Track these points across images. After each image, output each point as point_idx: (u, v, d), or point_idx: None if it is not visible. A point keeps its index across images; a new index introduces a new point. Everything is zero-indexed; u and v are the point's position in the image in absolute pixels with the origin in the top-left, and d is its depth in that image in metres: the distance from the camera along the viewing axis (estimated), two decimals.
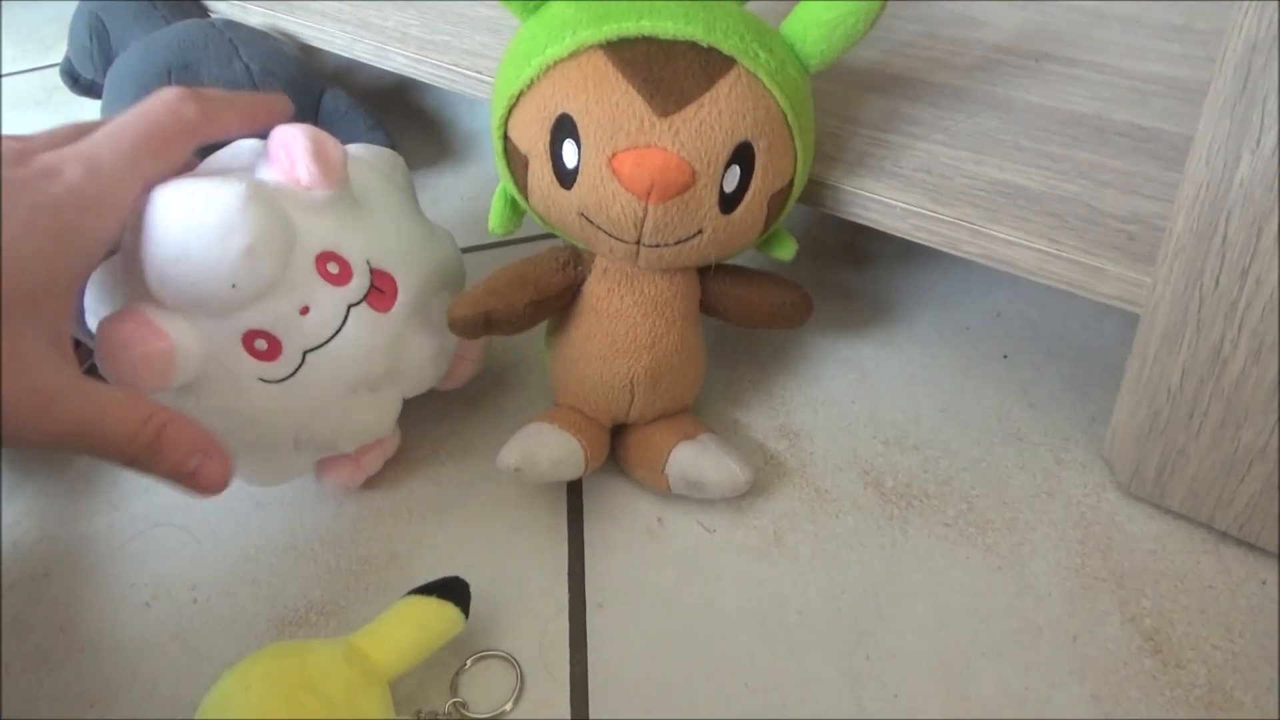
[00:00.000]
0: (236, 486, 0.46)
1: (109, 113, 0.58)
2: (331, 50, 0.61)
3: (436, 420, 0.48)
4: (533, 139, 0.37)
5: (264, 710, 0.29)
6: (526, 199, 0.40)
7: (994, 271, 0.40)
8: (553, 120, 0.37)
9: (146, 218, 0.36)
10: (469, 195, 0.64)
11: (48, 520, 0.47)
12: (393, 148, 0.56)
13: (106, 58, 0.62)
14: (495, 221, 0.42)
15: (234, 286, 0.36)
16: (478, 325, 0.40)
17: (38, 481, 0.49)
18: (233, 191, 0.35)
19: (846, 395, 0.47)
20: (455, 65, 0.55)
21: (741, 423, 0.46)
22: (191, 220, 0.35)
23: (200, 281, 0.35)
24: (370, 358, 0.40)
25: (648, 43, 0.36)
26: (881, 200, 0.41)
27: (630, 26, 0.36)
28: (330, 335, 0.39)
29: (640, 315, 0.41)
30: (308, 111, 0.60)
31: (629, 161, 0.35)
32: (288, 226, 0.37)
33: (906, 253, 0.55)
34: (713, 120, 0.35)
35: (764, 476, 0.43)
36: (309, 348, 0.39)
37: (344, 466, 0.44)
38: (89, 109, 0.71)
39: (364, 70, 0.76)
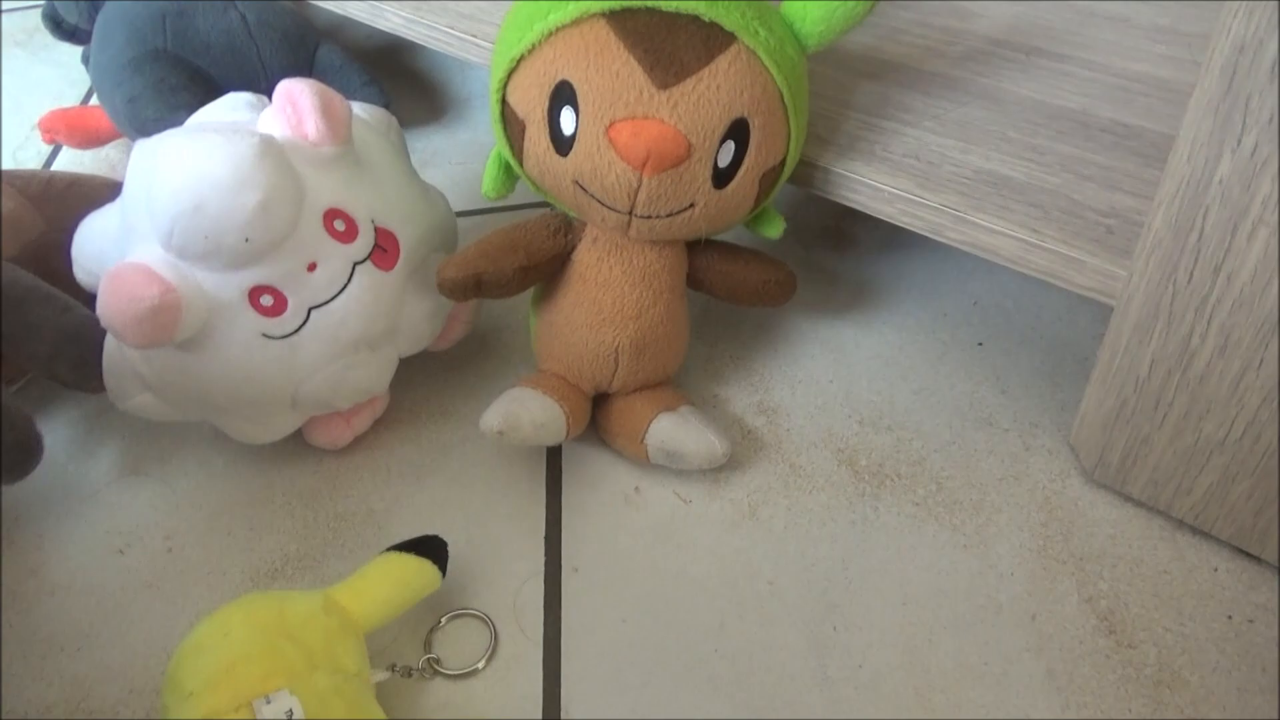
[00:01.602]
0: (214, 438, 0.46)
1: (99, 56, 0.57)
2: (324, 6, 0.61)
3: (417, 382, 0.48)
4: (531, 104, 0.38)
5: (242, 657, 0.30)
6: (521, 164, 0.40)
7: (972, 260, 0.41)
8: (552, 86, 0.37)
9: (156, 167, 0.35)
10: (459, 159, 0.64)
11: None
12: (386, 106, 0.56)
13: (92, 4, 0.61)
14: (488, 185, 0.42)
15: (247, 240, 0.36)
16: (467, 287, 0.40)
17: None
18: (247, 145, 0.35)
19: (824, 375, 0.48)
20: (450, 28, 0.54)
21: (721, 397, 0.47)
22: (205, 173, 0.34)
23: (213, 234, 0.35)
24: (373, 316, 0.40)
25: (650, 14, 0.36)
26: (870, 184, 0.41)
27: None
28: (336, 292, 0.39)
29: (628, 286, 0.41)
30: (302, 65, 0.59)
31: (626, 131, 0.36)
32: (298, 182, 0.37)
33: (888, 238, 0.55)
34: (711, 95, 0.36)
35: (741, 451, 0.44)
36: (314, 304, 0.39)
37: (334, 425, 0.44)
38: (71, 53, 0.70)
39: (355, 28, 0.75)
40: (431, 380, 0.48)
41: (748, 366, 0.48)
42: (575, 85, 0.36)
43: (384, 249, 0.41)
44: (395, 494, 0.44)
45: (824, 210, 0.58)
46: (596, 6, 0.36)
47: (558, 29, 0.36)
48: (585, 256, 0.41)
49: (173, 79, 0.54)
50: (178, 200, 0.35)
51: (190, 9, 0.56)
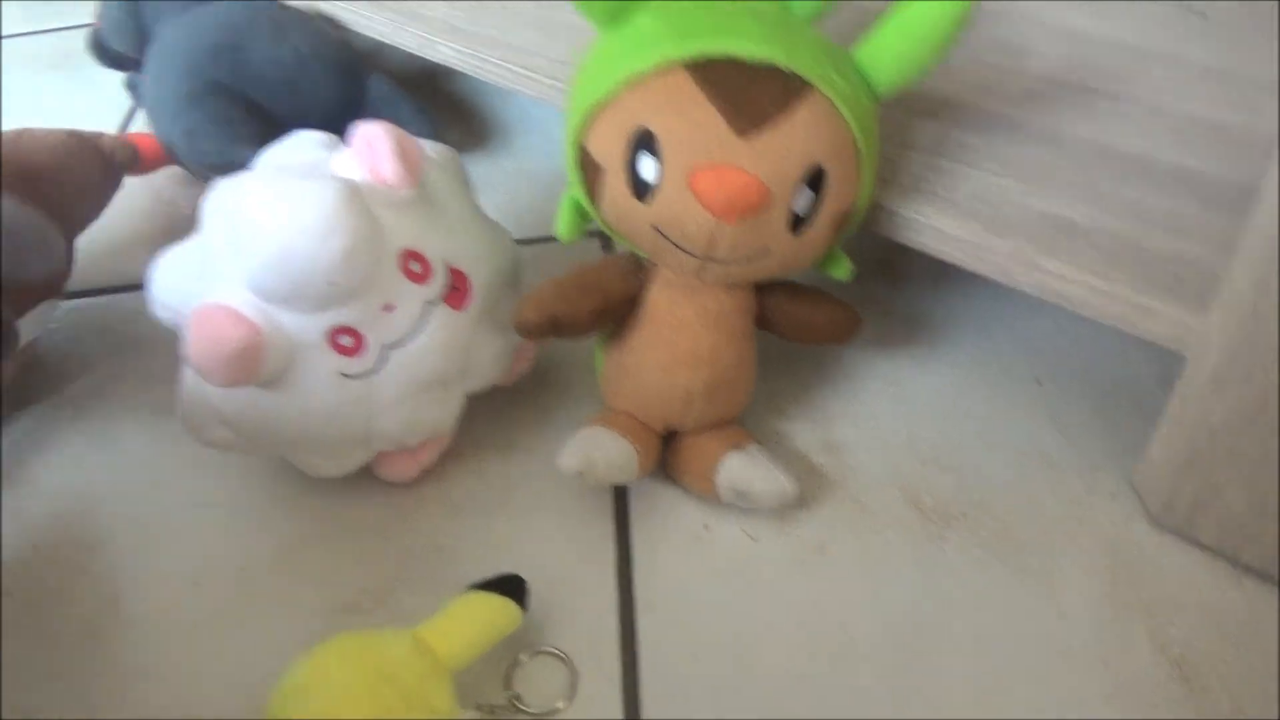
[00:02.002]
0: (283, 470, 0.46)
1: (154, 88, 0.58)
2: (374, 36, 0.61)
3: (480, 415, 0.48)
4: (610, 151, 0.38)
5: (345, 700, 0.30)
6: (596, 208, 0.40)
7: (1025, 295, 0.41)
8: (632, 134, 0.37)
9: (242, 212, 0.36)
10: (506, 188, 0.64)
11: (94, 492, 0.48)
12: (436, 137, 0.56)
13: (141, 33, 0.61)
14: (564, 228, 0.43)
15: (332, 284, 0.36)
16: (545, 329, 0.41)
17: (82, 449, 0.50)
18: (332, 191, 0.36)
19: (885, 411, 0.48)
20: (504, 61, 0.55)
21: (784, 433, 0.47)
22: (292, 220, 0.35)
23: (299, 280, 0.36)
24: (448, 355, 0.41)
25: (730, 63, 0.36)
26: (937, 227, 0.42)
27: (714, 46, 0.36)
28: (411, 332, 0.40)
29: (701, 328, 0.41)
30: (353, 96, 0.60)
31: (708, 180, 0.36)
32: (377, 225, 0.38)
33: (940, 272, 0.56)
34: (790, 143, 0.36)
35: (806, 488, 0.45)
36: (391, 344, 0.39)
37: (403, 460, 0.45)
38: (108, 77, 0.70)
39: (393, 52, 0.75)
40: (494, 414, 0.49)
41: (809, 402, 0.49)
42: (656, 133, 0.37)
43: (457, 288, 0.41)
44: (462, 529, 0.44)
45: (876, 243, 0.59)
46: (676, 55, 0.36)
47: (637, 78, 0.37)
48: (657, 298, 0.42)
49: (231, 113, 0.55)
50: (265, 247, 0.35)
51: (246, 42, 0.57)
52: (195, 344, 0.37)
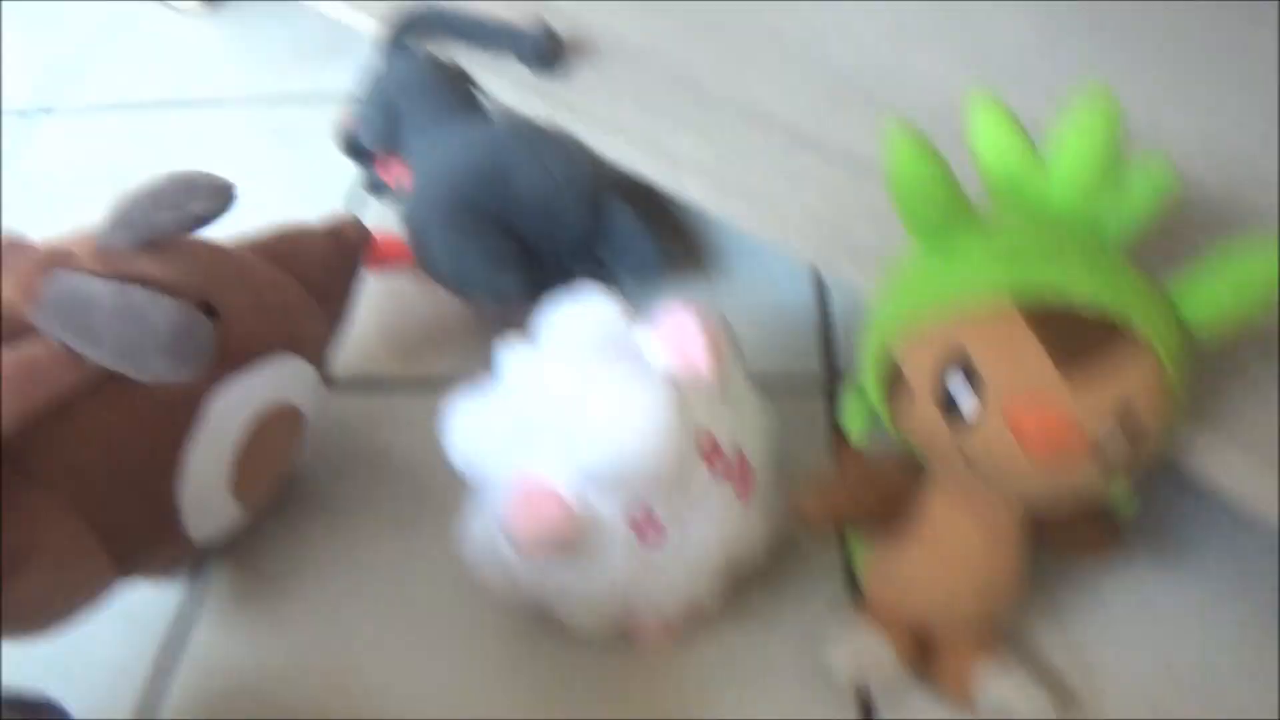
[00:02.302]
0: (530, 617, 0.48)
1: (417, 206, 0.59)
2: (619, 165, 0.62)
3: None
4: (922, 371, 0.38)
5: None
6: (893, 418, 0.41)
7: None
8: (949, 360, 0.38)
9: (577, 402, 0.37)
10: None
11: (344, 618, 0.50)
12: (663, 274, 0.57)
13: (394, 137, 0.64)
14: (853, 424, 0.43)
15: (655, 480, 0.38)
16: (826, 524, 0.42)
17: (332, 571, 0.51)
18: (665, 399, 0.37)
19: (1135, 629, 0.47)
20: (752, 208, 0.56)
21: (1031, 642, 0.47)
22: (631, 425, 0.37)
23: (626, 479, 0.37)
24: (730, 542, 0.42)
25: (1060, 303, 0.36)
26: (1235, 470, 0.41)
27: (1044, 281, 0.36)
28: (702, 520, 0.41)
29: (982, 543, 0.41)
30: (597, 223, 0.61)
31: (1030, 421, 0.36)
32: (691, 419, 0.39)
33: (1182, 479, 0.55)
34: (1108, 384, 0.36)
35: (1057, 705, 0.44)
36: (682, 529, 0.40)
37: (658, 629, 0.46)
38: (327, 155, 0.71)
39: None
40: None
41: (1054, 612, 0.48)
42: (978, 364, 0.37)
43: (741, 472, 0.42)
44: (704, 699, 0.45)
45: None
46: (1006, 288, 0.37)
47: (962, 305, 0.37)
48: (934, 500, 0.42)
49: (494, 238, 0.57)
50: (602, 445, 0.37)
51: (511, 166, 0.59)
52: (515, 520, 0.38)
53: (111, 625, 0.50)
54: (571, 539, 0.38)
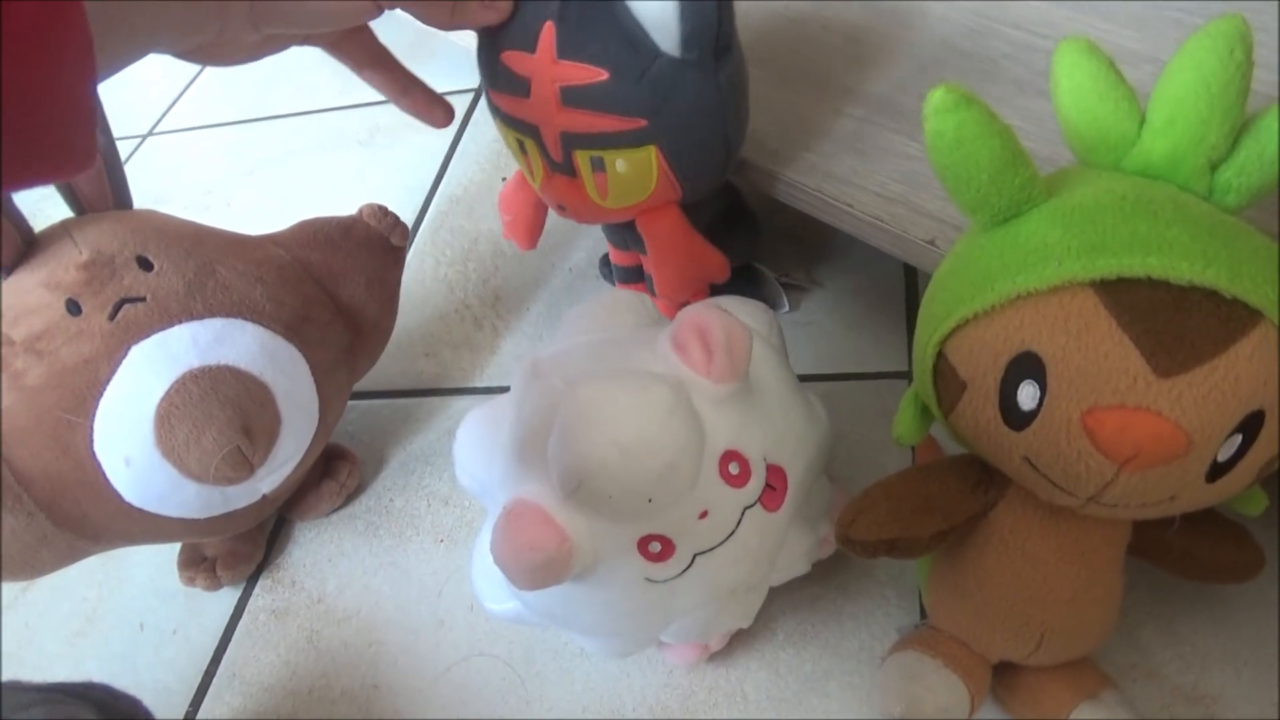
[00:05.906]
0: (565, 636, 0.45)
1: None
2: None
3: (773, 597, 0.44)
4: (979, 369, 0.32)
5: None
6: (947, 419, 0.35)
7: None
8: (1012, 356, 0.31)
9: (566, 419, 0.34)
10: (816, 319, 0.58)
11: (376, 624, 0.48)
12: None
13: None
14: (905, 430, 0.38)
15: (649, 501, 0.34)
16: (878, 551, 0.36)
17: (372, 572, 0.51)
18: (658, 402, 0.33)
19: (1269, 656, 0.40)
20: (819, 190, 0.50)
21: (1144, 671, 0.40)
22: (613, 436, 0.32)
23: (616, 496, 0.33)
24: (757, 560, 0.37)
25: (1154, 286, 0.30)
26: None
27: (1133, 264, 0.30)
28: (723, 539, 0.36)
29: (1060, 562, 0.35)
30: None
31: (1111, 423, 0.30)
32: (700, 429, 0.34)
33: None
34: (1227, 386, 0.29)
35: None
36: (700, 550, 0.36)
37: (691, 649, 0.42)
38: (412, 154, 0.71)
39: None
40: (788, 596, 0.45)
41: (1174, 633, 0.41)
42: (1045, 360, 0.31)
43: (773, 487, 0.37)
44: None
45: None
46: (1083, 274, 0.30)
47: (1028, 294, 0.31)
48: (1007, 519, 0.36)
49: None
50: (582, 462, 0.33)
51: None
52: (502, 546, 0.35)
53: (157, 644, 0.51)
54: (561, 565, 0.34)
